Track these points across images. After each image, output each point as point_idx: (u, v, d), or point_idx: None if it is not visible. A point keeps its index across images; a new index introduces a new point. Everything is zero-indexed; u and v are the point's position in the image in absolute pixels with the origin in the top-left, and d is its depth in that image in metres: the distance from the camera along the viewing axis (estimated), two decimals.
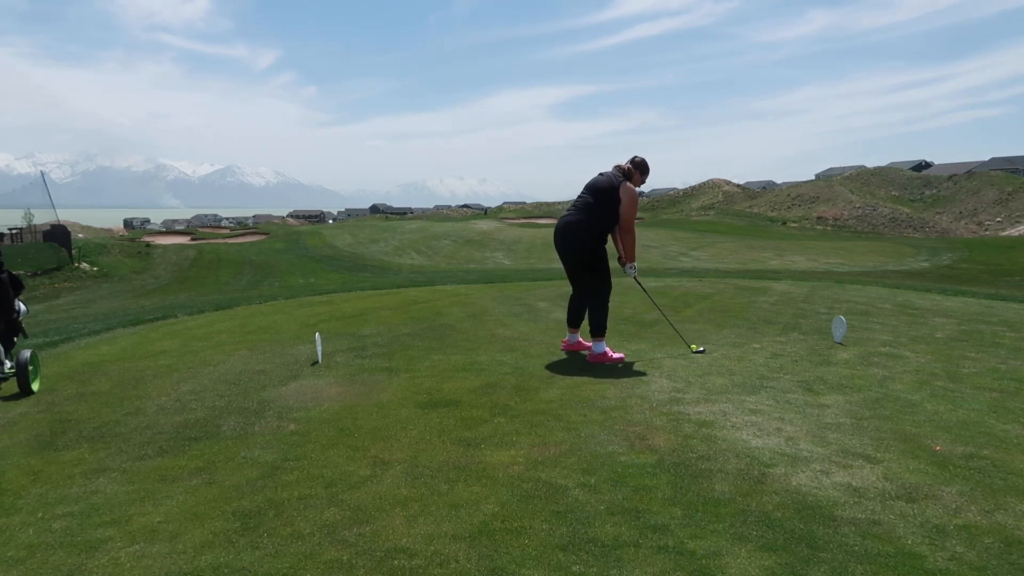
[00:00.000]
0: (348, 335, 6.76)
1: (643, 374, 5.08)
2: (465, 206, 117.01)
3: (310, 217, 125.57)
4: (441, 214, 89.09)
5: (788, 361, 5.48)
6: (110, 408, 4.56)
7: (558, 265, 6.27)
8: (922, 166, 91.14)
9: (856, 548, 2.55)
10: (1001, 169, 69.25)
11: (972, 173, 62.85)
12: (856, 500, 2.94)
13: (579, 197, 5.64)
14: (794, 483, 3.11)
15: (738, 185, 73.75)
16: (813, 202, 56.87)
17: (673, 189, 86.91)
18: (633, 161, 5.59)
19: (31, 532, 2.85)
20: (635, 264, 5.77)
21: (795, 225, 50.47)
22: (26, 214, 34.41)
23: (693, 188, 73.76)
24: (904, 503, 2.92)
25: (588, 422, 3.98)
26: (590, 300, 5.61)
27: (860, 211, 52.80)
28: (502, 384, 4.82)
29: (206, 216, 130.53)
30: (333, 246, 36.46)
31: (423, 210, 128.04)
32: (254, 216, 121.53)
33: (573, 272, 5.67)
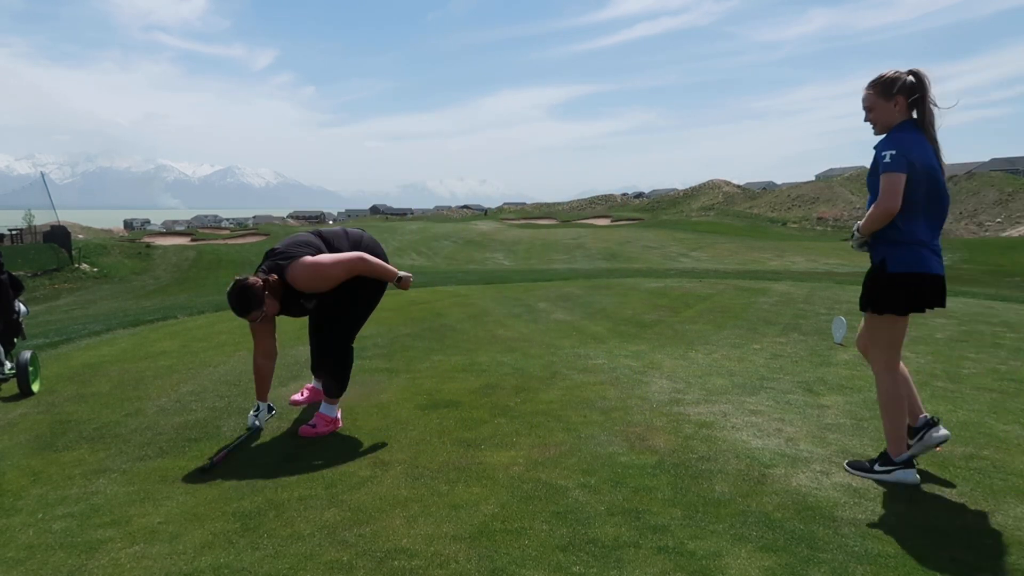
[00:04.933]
0: None
1: (643, 375, 5.07)
2: (465, 207, 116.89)
3: (310, 218, 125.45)
4: (441, 215, 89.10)
5: (788, 362, 5.47)
6: (110, 409, 4.55)
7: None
8: None
9: (856, 548, 2.54)
10: (1001, 170, 69.18)
11: (972, 174, 62.79)
12: (856, 500, 2.94)
13: None
14: (794, 484, 3.11)
15: (738, 186, 73.78)
16: (813, 203, 56.88)
17: (673, 190, 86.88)
18: None
19: (31, 533, 2.85)
20: None
21: (795, 226, 50.47)
22: (26, 215, 34.48)
23: (693, 189, 73.79)
24: (904, 503, 2.92)
25: (588, 423, 3.97)
26: None
27: (860, 212, 52.79)
28: (502, 385, 4.82)
29: (206, 217, 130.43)
30: None
31: (423, 211, 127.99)
32: (254, 217, 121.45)
33: None
